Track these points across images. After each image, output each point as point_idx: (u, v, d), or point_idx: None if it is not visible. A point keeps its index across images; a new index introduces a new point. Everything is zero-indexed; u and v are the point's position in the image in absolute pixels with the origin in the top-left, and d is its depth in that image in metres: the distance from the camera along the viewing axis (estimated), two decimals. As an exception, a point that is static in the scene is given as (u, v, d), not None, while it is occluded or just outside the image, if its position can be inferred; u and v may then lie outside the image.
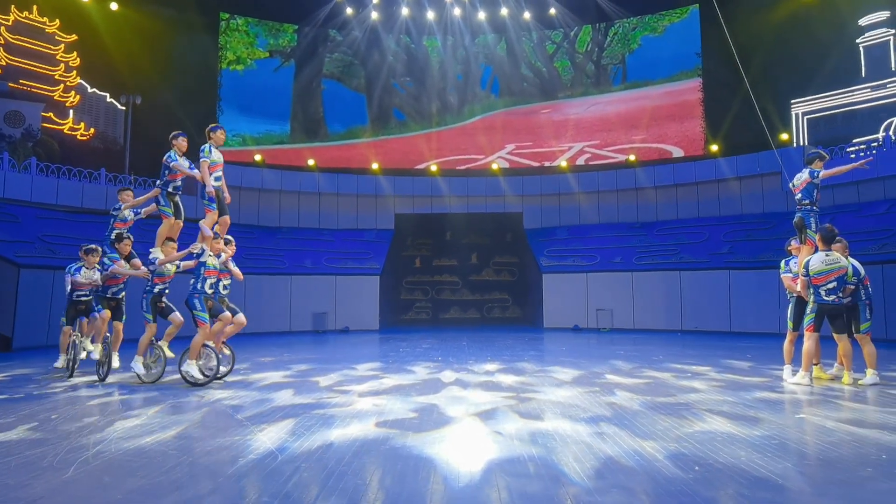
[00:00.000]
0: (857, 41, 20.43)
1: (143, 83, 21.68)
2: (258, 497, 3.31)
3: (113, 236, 8.16)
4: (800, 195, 7.67)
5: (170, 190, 7.89)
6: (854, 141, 19.40)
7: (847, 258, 7.15)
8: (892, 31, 19.85)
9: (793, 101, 21.47)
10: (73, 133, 22.63)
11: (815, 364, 7.63)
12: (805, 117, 21.41)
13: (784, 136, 21.04)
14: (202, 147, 7.80)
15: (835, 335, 7.14)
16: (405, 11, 24.60)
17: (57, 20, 22.41)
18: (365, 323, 19.09)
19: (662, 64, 23.53)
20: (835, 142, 19.41)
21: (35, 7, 22.13)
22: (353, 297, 19.09)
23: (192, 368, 7.28)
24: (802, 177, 7.66)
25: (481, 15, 24.65)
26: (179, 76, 22.20)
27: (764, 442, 4.41)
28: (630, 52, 24.33)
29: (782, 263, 8.05)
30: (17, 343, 12.66)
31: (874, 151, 17.84)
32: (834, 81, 20.61)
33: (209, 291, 7.57)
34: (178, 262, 7.92)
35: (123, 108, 22.22)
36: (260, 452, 4.22)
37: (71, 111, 22.79)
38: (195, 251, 7.58)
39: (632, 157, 22.95)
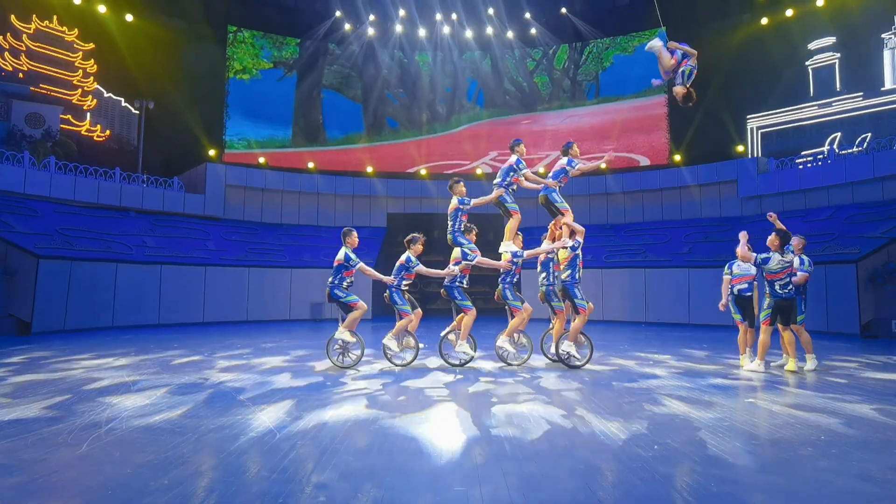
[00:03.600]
0: (807, 63, 20.64)
1: (155, 89, 21.36)
2: (258, 472, 3.30)
3: (462, 228, 8.35)
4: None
5: (511, 190, 8.20)
6: (802, 153, 19.62)
7: (802, 254, 7.72)
8: (837, 55, 20.08)
9: (748, 116, 21.64)
10: (90, 134, 22.25)
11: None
12: (759, 131, 21.61)
13: (740, 148, 21.25)
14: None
15: (779, 326, 7.34)
16: (399, 28, 24.49)
17: (76, 29, 22.01)
18: (358, 312, 18.95)
19: (632, 81, 23.62)
20: (785, 154, 19.63)
21: (55, 17, 21.72)
22: (347, 289, 18.94)
23: (570, 349, 7.56)
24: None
25: (468, 33, 24.58)
26: (190, 83, 21.92)
27: (716, 424, 4.47)
28: (603, 69, 24.40)
29: (726, 267, 8.08)
30: (36, 328, 12.48)
31: (820, 163, 18.07)
32: (785, 99, 20.81)
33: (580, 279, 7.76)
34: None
35: (137, 111, 21.91)
36: (260, 431, 4.20)
37: (88, 114, 22.40)
38: (571, 244, 7.77)
39: (603, 165, 23.03)
